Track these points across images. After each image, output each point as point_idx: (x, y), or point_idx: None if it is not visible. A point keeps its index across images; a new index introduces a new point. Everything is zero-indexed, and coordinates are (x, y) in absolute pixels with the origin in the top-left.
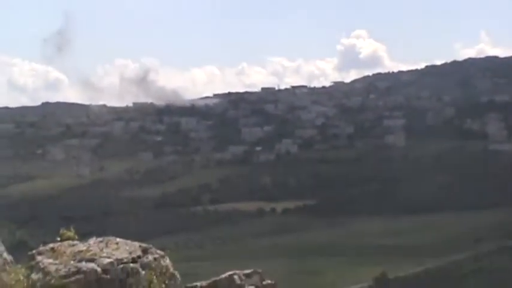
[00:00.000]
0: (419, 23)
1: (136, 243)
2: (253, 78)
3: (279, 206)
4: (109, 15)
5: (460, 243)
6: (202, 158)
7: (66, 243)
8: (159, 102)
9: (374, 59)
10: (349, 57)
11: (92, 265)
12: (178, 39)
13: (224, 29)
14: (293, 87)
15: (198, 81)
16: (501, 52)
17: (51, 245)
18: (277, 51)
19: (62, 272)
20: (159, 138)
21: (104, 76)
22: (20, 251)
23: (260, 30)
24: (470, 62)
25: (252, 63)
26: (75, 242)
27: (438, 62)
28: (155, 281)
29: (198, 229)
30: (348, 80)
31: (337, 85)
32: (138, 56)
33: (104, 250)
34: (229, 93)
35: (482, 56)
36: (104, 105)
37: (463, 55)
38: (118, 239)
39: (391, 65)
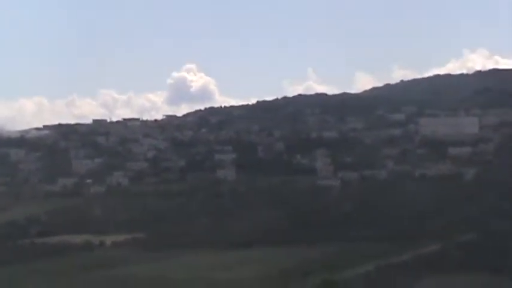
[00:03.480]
0: (248, 59)
1: None
2: (84, 109)
3: (108, 239)
4: None
5: (290, 277)
6: (31, 190)
7: None
8: None
9: (205, 93)
10: (180, 91)
11: None
12: (4, 69)
13: (53, 59)
14: (125, 119)
15: (27, 112)
16: (328, 89)
17: None
18: (107, 84)
19: None
20: None
21: None
22: None
23: (90, 62)
24: (299, 98)
25: (82, 94)
26: None
27: (269, 98)
28: None
29: (24, 262)
30: (179, 113)
31: (169, 118)
32: None
33: None
34: (60, 125)
35: (311, 92)
36: None
37: (292, 91)
38: None
39: (222, 99)
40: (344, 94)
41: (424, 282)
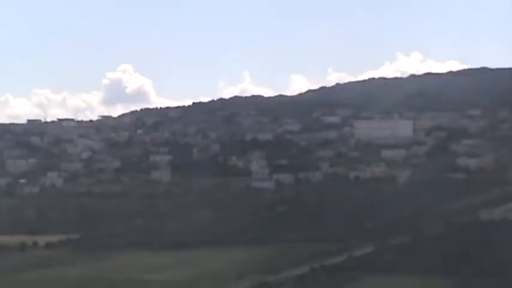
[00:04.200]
0: (184, 60)
1: None
2: (18, 109)
3: (42, 240)
4: None
5: (222, 279)
6: None
7: None
8: None
9: (141, 94)
10: (116, 92)
11: None
12: None
13: None
14: (60, 119)
15: None
16: (264, 92)
17: None
18: (41, 83)
19: None
20: None
21: None
22: None
23: (24, 60)
24: (235, 100)
25: (16, 94)
26: None
27: (205, 100)
28: None
29: None
30: (115, 114)
31: (105, 119)
32: None
33: None
34: None
35: (247, 94)
36: None
37: (228, 93)
38: None
39: (158, 100)
40: (280, 96)
41: (357, 284)
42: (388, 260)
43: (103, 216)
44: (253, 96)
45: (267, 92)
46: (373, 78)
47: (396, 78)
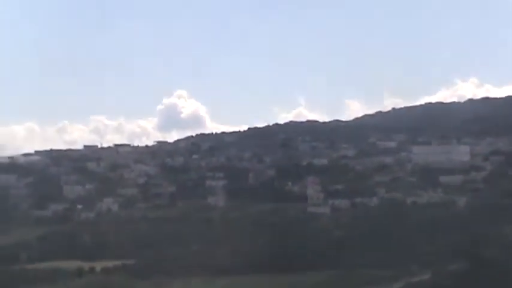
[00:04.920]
0: (239, 85)
1: None
2: (75, 135)
3: (99, 265)
4: None
5: None
6: (21, 215)
7: None
8: None
9: (196, 120)
10: (171, 117)
11: None
12: None
13: (43, 85)
14: (116, 145)
15: (17, 137)
16: (319, 117)
17: None
18: (98, 110)
19: None
20: None
21: None
22: None
23: (81, 88)
24: (291, 125)
25: (73, 120)
26: None
27: (260, 125)
28: None
29: None
30: (170, 139)
31: (161, 144)
32: None
33: None
34: (51, 150)
35: (302, 119)
36: None
37: (283, 118)
38: None
39: (213, 126)
40: (335, 121)
41: None
42: (445, 285)
43: (159, 241)
44: (308, 121)
45: (322, 117)
46: (430, 103)
47: (453, 103)
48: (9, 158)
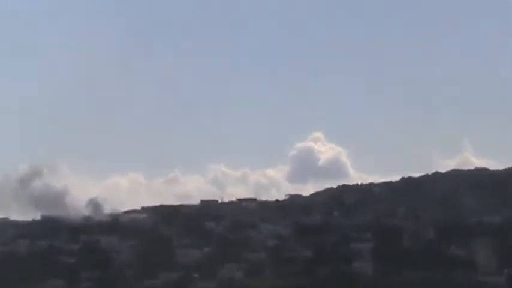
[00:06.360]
0: (388, 126)
1: None
2: (189, 188)
3: None
4: None
5: None
6: (126, 286)
7: None
8: (72, 215)
9: (336, 168)
10: (306, 165)
11: None
12: (94, 143)
13: (149, 129)
14: (239, 199)
15: (120, 191)
16: (489, 164)
17: None
18: (216, 157)
19: None
20: (72, 260)
21: None
22: None
23: (195, 131)
24: (454, 174)
25: (186, 170)
26: None
27: (416, 174)
28: None
29: None
30: (306, 192)
31: (294, 198)
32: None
33: None
34: (160, 206)
35: (468, 167)
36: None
37: (445, 166)
38: None
39: (358, 175)
40: (510, 170)
41: None
42: None
43: None
44: (476, 169)
45: (493, 164)
46: None
47: None
48: (110, 215)
